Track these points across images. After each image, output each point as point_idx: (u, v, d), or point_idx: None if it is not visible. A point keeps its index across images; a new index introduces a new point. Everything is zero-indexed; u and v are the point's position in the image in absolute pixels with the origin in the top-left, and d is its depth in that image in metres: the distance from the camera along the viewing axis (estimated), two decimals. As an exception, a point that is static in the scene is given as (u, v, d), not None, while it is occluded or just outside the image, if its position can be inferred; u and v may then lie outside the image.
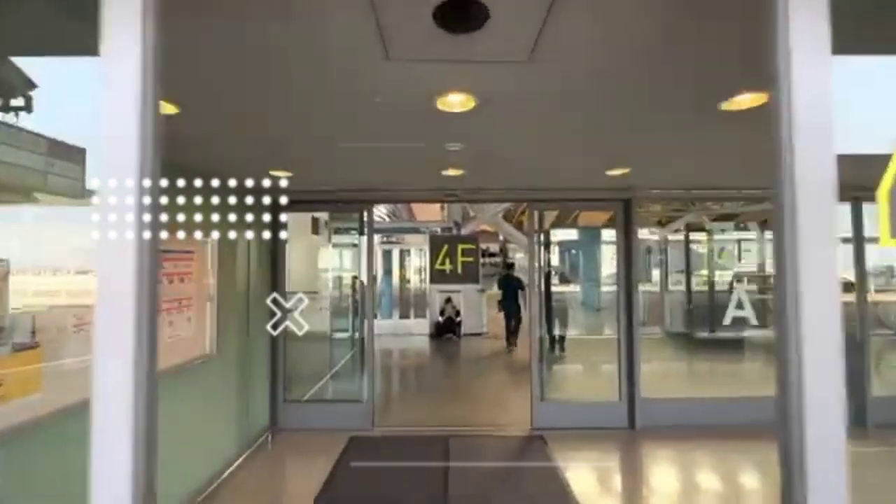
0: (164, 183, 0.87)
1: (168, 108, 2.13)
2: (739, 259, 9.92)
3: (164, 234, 0.95)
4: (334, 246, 10.27)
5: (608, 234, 11.14)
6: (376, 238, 12.70)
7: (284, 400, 5.06)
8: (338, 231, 10.32)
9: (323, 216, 10.65)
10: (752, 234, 9.76)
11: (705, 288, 9.71)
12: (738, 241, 10.05)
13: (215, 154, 2.99)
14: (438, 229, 15.22)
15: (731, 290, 9.59)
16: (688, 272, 10.19)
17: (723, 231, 9.24)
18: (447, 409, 5.63)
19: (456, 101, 2.11)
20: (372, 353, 5.07)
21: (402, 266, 12.11)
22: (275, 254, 5.02)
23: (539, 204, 5.09)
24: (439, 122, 2.38)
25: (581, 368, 7.79)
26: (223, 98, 2.07)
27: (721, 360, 8.40)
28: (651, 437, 4.65)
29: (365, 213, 5.15)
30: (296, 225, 9.68)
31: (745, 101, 2.07)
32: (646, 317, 6.15)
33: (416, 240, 12.30)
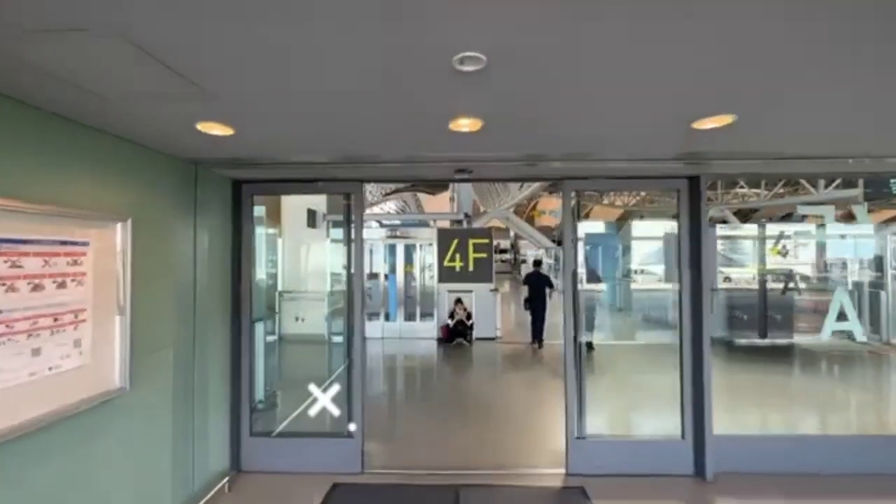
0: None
1: None
2: (796, 255, 8.68)
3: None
4: (333, 241, 9.45)
5: (639, 229, 10.04)
6: (382, 232, 11.69)
7: (251, 433, 3.98)
8: (336, 224, 9.50)
9: (321, 209, 9.71)
10: (808, 227, 8.52)
11: (755, 287, 8.45)
12: (793, 235, 8.79)
13: (90, 80, 1.86)
14: (447, 223, 14.13)
15: (786, 288, 8.37)
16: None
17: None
18: (457, 442, 4.51)
19: None
20: (362, 371, 3.97)
21: (407, 263, 11.07)
22: (238, 244, 3.92)
23: (575, 182, 3.94)
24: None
25: (615, 383, 6.62)
26: None
27: (780, 374, 7.16)
28: (730, 490, 3.48)
29: (353, 196, 4.05)
30: (288, 218, 8.75)
31: None
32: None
33: (423, 234, 11.28)
